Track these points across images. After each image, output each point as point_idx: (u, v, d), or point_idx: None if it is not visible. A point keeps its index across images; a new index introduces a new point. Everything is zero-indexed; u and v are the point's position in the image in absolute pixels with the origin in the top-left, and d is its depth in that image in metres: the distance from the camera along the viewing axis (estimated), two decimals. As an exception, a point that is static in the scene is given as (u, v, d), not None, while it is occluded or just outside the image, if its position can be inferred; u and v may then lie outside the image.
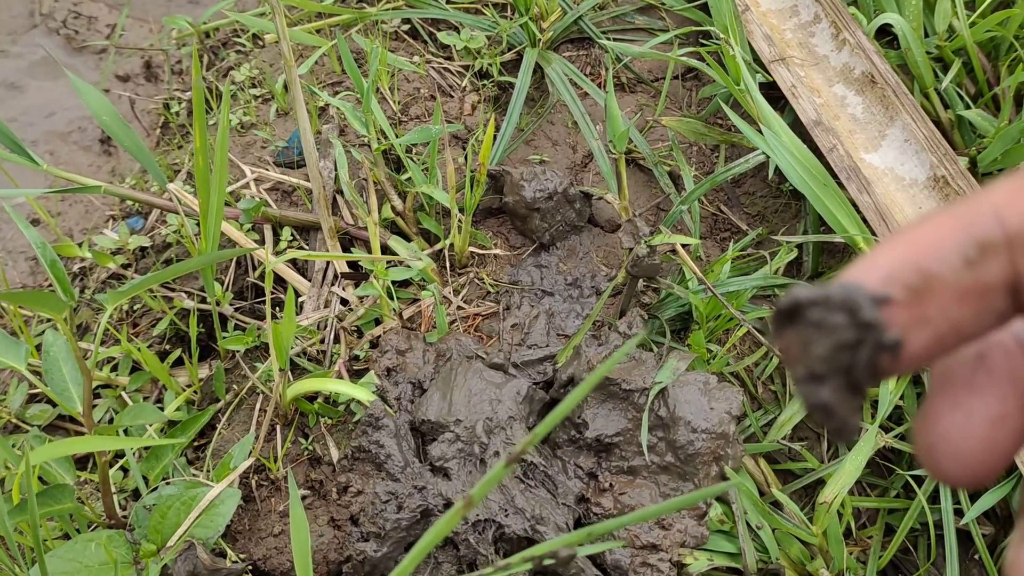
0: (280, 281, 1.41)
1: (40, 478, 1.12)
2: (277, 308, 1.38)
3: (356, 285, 1.37)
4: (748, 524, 1.15)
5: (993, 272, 0.27)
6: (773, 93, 1.48)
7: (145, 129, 1.93)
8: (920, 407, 0.29)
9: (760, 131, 1.33)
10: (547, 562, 0.56)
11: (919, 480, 1.18)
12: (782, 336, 0.29)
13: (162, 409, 1.29)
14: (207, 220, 1.14)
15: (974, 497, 1.16)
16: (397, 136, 1.43)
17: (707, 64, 1.54)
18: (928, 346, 0.28)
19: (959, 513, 1.16)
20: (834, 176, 1.33)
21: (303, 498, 1.21)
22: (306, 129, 1.29)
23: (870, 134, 1.42)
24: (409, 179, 1.42)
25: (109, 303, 1.03)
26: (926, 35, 1.53)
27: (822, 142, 1.38)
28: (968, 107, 1.46)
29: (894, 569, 1.24)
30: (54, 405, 1.41)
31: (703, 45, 1.63)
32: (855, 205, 1.30)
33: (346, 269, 1.39)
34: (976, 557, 1.20)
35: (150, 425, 1.27)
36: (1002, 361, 0.29)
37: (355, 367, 1.29)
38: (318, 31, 1.70)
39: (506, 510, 1.10)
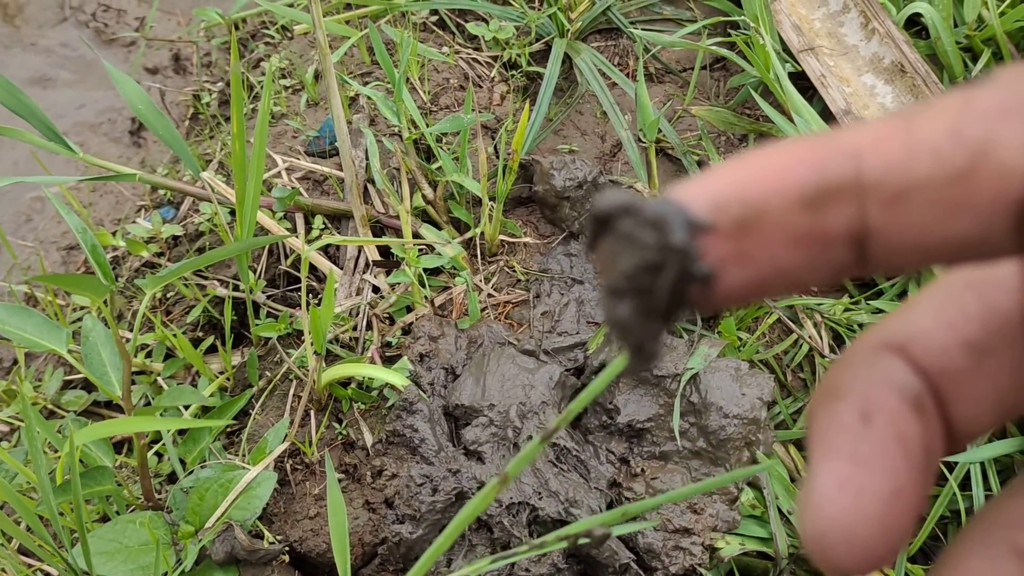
0: (312, 270, 1.42)
1: (80, 461, 1.14)
2: (310, 295, 1.39)
3: (388, 273, 1.38)
4: (780, 509, 1.16)
5: (836, 220, 0.23)
6: (802, 83, 1.49)
7: (175, 121, 1.95)
8: (802, 485, 0.25)
9: (791, 120, 1.34)
10: (581, 541, 0.57)
11: (950, 466, 1.18)
12: (595, 244, 0.26)
13: (198, 394, 1.30)
14: (243, 207, 1.16)
15: (1006, 484, 1.16)
16: (427, 126, 1.44)
17: (738, 53, 1.54)
18: (747, 286, 0.25)
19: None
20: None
21: (338, 481, 1.22)
22: (339, 117, 1.31)
23: (900, 123, 1.42)
24: (439, 168, 1.44)
25: (149, 287, 1.05)
26: (955, 25, 1.53)
27: (852, 131, 1.38)
28: (998, 97, 1.46)
29: (924, 556, 1.24)
30: (89, 391, 1.43)
31: (731, 35, 1.63)
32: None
33: (378, 257, 1.40)
34: (1007, 544, 1.20)
35: (186, 409, 1.29)
36: (888, 424, 0.25)
37: (387, 353, 1.30)
38: (347, 22, 1.71)
39: (540, 493, 1.11)
